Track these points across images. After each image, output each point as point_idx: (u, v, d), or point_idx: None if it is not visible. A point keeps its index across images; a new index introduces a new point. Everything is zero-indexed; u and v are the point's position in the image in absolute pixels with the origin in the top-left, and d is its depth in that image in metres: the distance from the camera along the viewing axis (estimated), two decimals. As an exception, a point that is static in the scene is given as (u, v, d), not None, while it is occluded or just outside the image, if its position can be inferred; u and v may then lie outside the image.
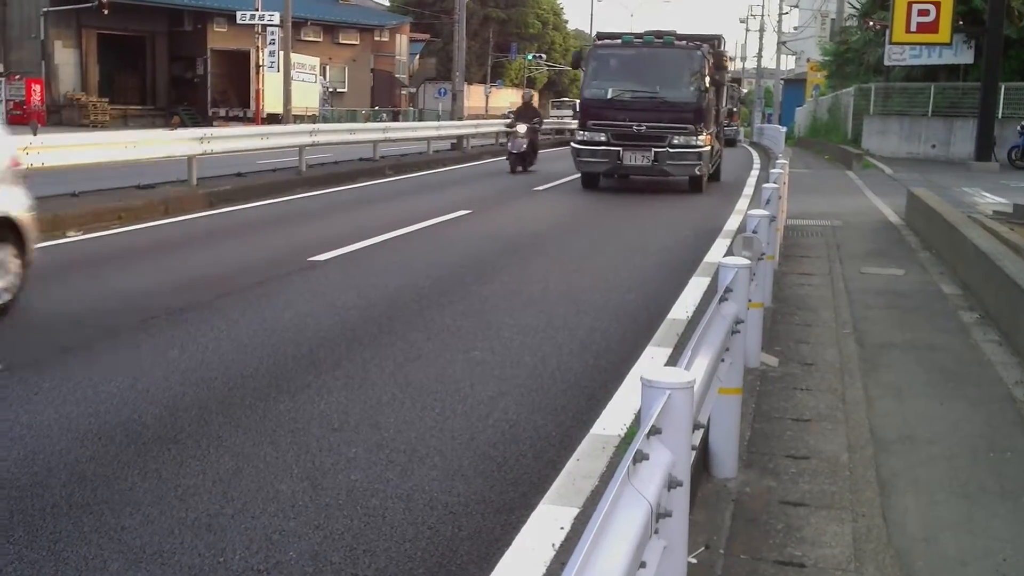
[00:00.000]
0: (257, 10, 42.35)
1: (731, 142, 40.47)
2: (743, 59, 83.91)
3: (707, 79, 18.38)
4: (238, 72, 46.88)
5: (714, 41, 20.25)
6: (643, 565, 2.34)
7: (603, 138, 18.37)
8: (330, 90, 55.59)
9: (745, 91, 60.89)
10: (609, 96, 18.77)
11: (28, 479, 4.41)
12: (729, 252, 6.18)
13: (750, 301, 5.29)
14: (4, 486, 4.32)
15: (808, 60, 62.58)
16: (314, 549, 3.81)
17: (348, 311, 7.97)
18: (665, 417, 2.59)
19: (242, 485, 4.38)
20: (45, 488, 4.31)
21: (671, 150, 17.91)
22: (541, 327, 7.50)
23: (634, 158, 18.14)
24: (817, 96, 49.66)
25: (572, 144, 19.60)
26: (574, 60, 21.52)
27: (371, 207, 15.76)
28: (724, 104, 23.11)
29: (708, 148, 18.43)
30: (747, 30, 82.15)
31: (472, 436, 5.07)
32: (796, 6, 66.62)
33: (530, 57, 79.63)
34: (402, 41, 64.83)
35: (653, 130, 17.96)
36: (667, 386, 2.61)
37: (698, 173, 18.39)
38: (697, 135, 18.01)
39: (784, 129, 40.27)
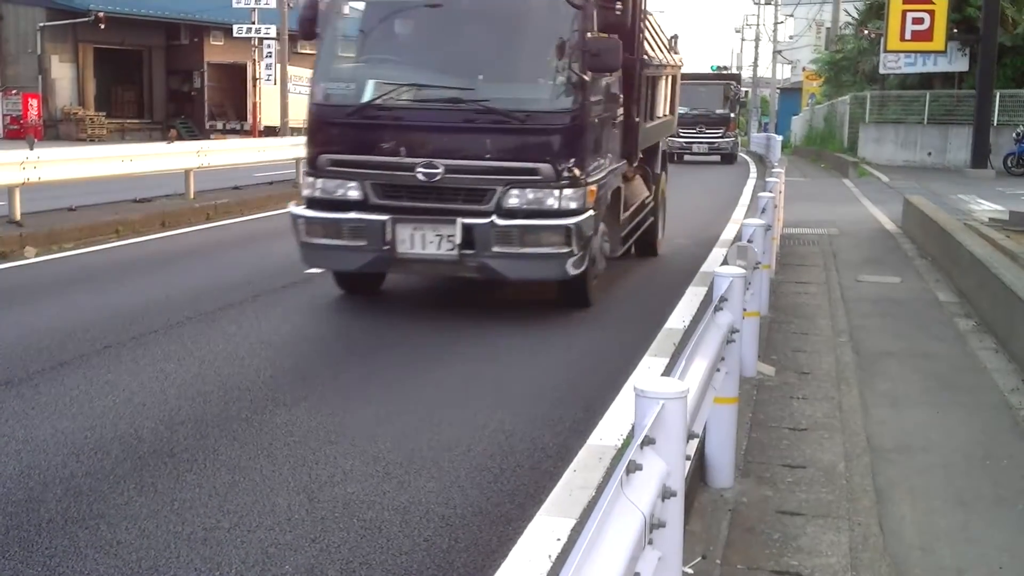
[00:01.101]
0: (254, 23, 42.37)
1: (729, 157, 34.67)
2: (739, 68, 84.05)
3: (583, 56, 7.95)
4: (235, 85, 46.90)
5: None
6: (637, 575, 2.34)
7: (354, 194, 8.06)
8: (327, 102, 55.57)
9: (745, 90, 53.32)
10: (367, 99, 8.24)
11: (23, 494, 4.40)
12: (725, 263, 6.19)
13: (745, 310, 5.30)
14: (0, 501, 4.32)
15: (804, 69, 62.68)
16: (310, 562, 3.81)
17: (345, 323, 7.97)
18: (659, 427, 2.59)
19: (238, 499, 4.37)
20: (41, 503, 4.30)
21: (500, 224, 7.75)
22: (540, 337, 7.49)
23: (419, 242, 7.90)
24: (813, 105, 49.76)
25: (291, 209, 8.63)
26: (304, 24, 8.49)
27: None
28: (661, 107, 11.82)
29: (590, 215, 8.01)
30: (743, 39, 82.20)
31: (468, 448, 5.07)
32: (791, 15, 66.74)
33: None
34: (398, 53, 64.89)
35: (459, 177, 7.91)
36: (660, 396, 2.62)
37: (572, 271, 7.97)
38: (562, 186, 7.83)
39: (780, 138, 40.13)
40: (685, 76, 35.99)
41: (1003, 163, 26.19)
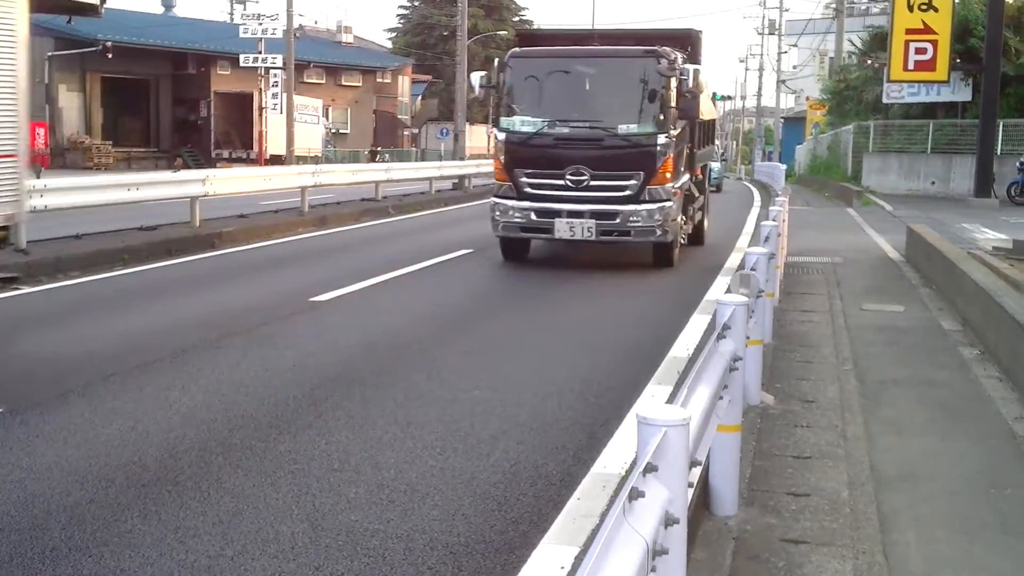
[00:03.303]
0: (260, 53, 42.71)
1: (663, 252, 13.08)
2: (743, 98, 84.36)
3: None
4: (241, 114, 47.17)
5: None
6: (640, 603, 2.34)
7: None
8: (333, 131, 55.92)
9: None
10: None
11: (28, 522, 4.41)
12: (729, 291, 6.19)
13: (749, 338, 5.31)
14: (3, 529, 4.32)
15: (807, 98, 62.93)
16: (314, 590, 3.80)
17: (350, 351, 7.98)
18: (661, 454, 2.60)
19: (242, 526, 4.37)
20: (44, 531, 4.31)
21: None
22: (543, 366, 7.50)
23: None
24: (817, 134, 49.92)
25: None
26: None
27: (373, 247, 15.81)
28: None
29: None
30: (747, 69, 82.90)
31: (473, 475, 5.07)
32: (795, 45, 67.09)
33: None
34: (404, 82, 65.25)
35: None
36: (662, 423, 2.63)
37: None
38: None
39: (784, 167, 40.21)
40: (528, 36, 16.25)
41: (1007, 192, 26.22)
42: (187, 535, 4.27)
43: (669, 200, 12.49)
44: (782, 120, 68.00)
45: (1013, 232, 16.73)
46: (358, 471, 5.11)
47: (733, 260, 13.38)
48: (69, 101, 44.06)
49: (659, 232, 12.48)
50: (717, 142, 43.50)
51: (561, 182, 12.54)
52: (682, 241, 13.63)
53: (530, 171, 12.72)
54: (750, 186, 42.88)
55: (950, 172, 29.51)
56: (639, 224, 12.39)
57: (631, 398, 6.40)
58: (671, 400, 5.07)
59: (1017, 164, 26.27)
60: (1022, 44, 29.04)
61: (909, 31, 27.00)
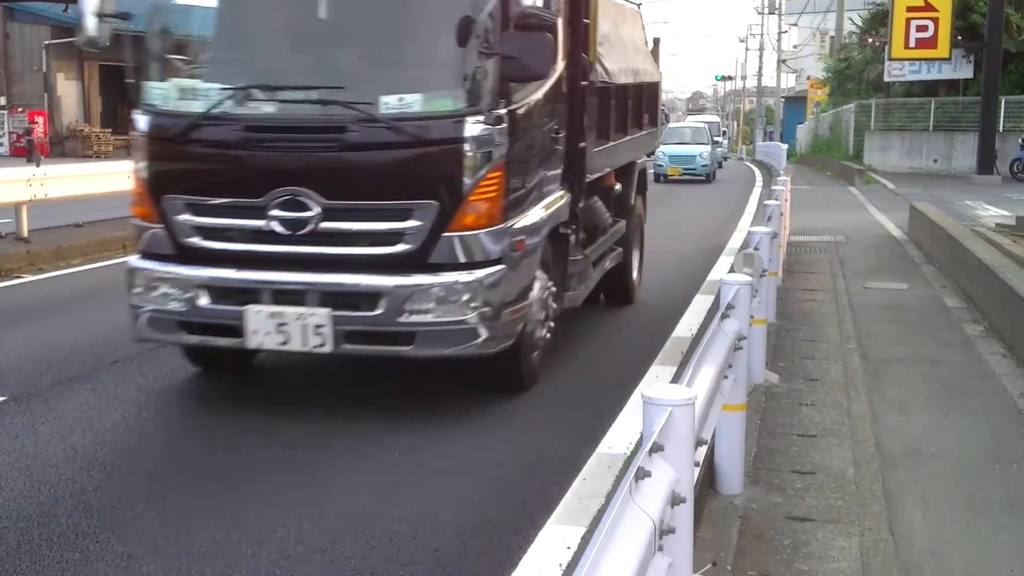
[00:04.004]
0: (259, 39, 42.55)
1: (503, 368, 5.99)
2: (743, 78, 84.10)
3: None
4: (240, 100, 47.14)
5: None
6: (648, 582, 2.34)
7: None
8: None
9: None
10: None
11: (34, 509, 4.42)
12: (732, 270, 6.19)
13: (753, 318, 5.30)
14: (11, 516, 4.33)
15: (808, 78, 62.71)
16: (320, 574, 3.81)
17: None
18: (667, 434, 2.59)
19: (248, 511, 4.38)
20: (51, 517, 4.31)
21: None
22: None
23: None
24: (818, 113, 49.78)
25: None
26: None
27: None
28: None
29: None
30: (747, 49, 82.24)
31: (478, 458, 5.07)
32: (795, 24, 66.82)
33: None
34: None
35: None
36: (668, 403, 2.62)
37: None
38: None
39: (785, 147, 40.07)
40: None
41: (1009, 169, 26.17)
42: (193, 520, 4.28)
43: (498, 262, 5.62)
44: (783, 100, 67.71)
45: (1016, 209, 16.70)
46: (365, 454, 5.11)
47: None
48: (67, 89, 43.94)
49: (484, 333, 5.54)
50: (716, 118, 43.02)
51: (260, 222, 5.62)
52: (544, 335, 6.42)
53: (197, 199, 5.88)
54: (751, 166, 42.77)
55: (952, 150, 29.44)
56: (429, 318, 5.47)
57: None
58: (677, 380, 5.07)
59: (1019, 141, 26.21)
60: (1023, 20, 28.91)
61: (910, 8, 26.91)
